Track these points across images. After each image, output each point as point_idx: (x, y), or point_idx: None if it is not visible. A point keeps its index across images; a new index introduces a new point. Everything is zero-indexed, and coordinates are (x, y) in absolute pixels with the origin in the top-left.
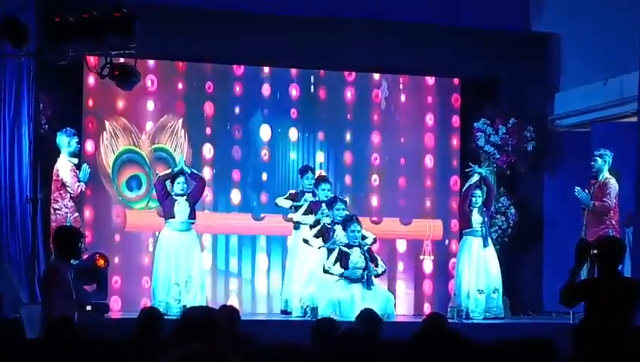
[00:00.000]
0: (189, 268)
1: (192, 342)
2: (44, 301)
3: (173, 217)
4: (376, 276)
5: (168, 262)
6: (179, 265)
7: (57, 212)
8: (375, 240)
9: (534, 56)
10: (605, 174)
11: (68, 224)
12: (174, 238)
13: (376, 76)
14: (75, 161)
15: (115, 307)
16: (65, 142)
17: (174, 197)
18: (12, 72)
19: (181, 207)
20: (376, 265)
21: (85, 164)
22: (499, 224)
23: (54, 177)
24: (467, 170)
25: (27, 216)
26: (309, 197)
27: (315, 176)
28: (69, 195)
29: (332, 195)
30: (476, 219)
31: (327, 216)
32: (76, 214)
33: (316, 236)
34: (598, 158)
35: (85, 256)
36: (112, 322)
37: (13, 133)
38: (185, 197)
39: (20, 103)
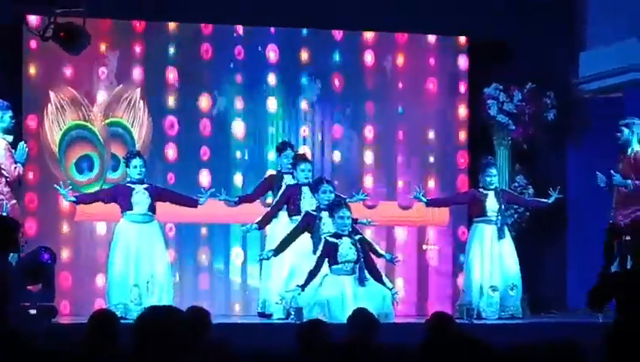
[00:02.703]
0: (152, 266)
1: (149, 351)
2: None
3: (131, 208)
4: (390, 261)
5: (126, 260)
6: (139, 264)
7: None
8: (370, 222)
9: (555, 9)
10: (636, 147)
11: (4, 213)
12: (133, 231)
13: (369, 35)
14: (10, 138)
15: (64, 310)
16: None
17: (130, 185)
18: None
19: (140, 197)
20: (377, 254)
21: (22, 142)
22: (515, 207)
23: None
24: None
25: None
26: (289, 179)
27: (294, 155)
28: (4, 179)
29: (311, 177)
30: (491, 205)
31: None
32: (14, 201)
33: (300, 226)
34: (624, 129)
35: (28, 251)
36: (61, 328)
37: None
38: (144, 185)
39: None
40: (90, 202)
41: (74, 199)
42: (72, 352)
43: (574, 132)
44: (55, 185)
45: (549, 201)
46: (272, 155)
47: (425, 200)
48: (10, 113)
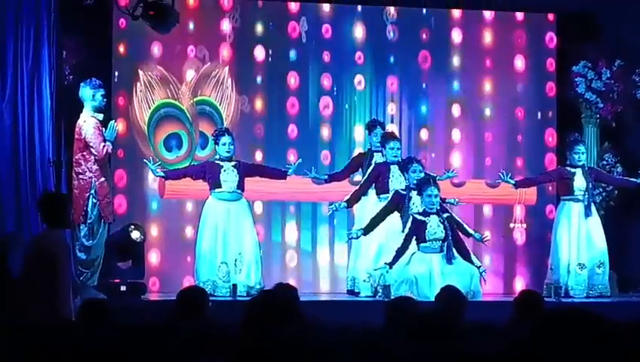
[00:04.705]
0: (240, 243)
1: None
2: (55, 280)
3: (220, 186)
4: (479, 240)
5: (214, 238)
6: (227, 242)
7: (80, 176)
8: (458, 202)
9: None
10: None
11: (92, 190)
12: (221, 209)
13: (456, 13)
14: (101, 116)
15: (153, 287)
16: (89, 94)
17: (219, 162)
18: (30, 14)
19: (228, 175)
20: (467, 234)
21: (112, 121)
22: (602, 185)
23: (76, 136)
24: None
25: (50, 182)
26: (378, 157)
27: (383, 133)
28: (93, 157)
29: (401, 155)
30: (579, 184)
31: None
32: (102, 179)
33: (389, 205)
34: None
35: (118, 228)
36: (150, 304)
37: (32, 85)
38: (233, 163)
39: (39, 50)
40: (178, 178)
41: (162, 174)
42: (161, 327)
43: None
44: (144, 160)
45: (639, 181)
46: (359, 134)
47: (513, 182)
48: (102, 92)
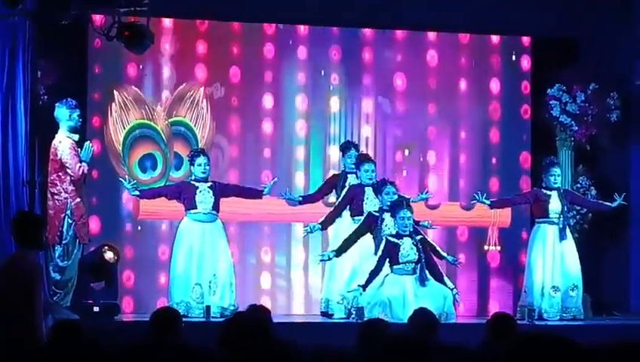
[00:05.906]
0: (214, 265)
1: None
2: (27, 301)
3: (195, 207)
4: (452, 263)
5: (189, 259)
6: (201, 264)
7: (55, 197)
8: (431, 225)
9: (620, 8)
10: None
11: (68, 211)
12: (196, 231)
13: (432, 35)
14: (76, 137)
15: (127, 308)
16: (65, 115)
17: (194, 183)
18: (5, 35)
19: (204, 196)
20: (439, 256)
21: (88, 142)
22: (577, 208)
23: (52, 156)
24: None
25: (24, 202)
26: (352, 179)
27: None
28: (68, 178)
29: (375, 178)
30: (554, 206)
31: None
32: (78, 200)
33: (362, 227)
34: None
35: (92, 249)
36: (124, 325)
37: (6, 106)
38: (208, 183)
39: (14, 71)
40: (153, 197)
41: (138, 193)
42: (134, 349)
43: (637, 132)
44: (120, 178)
45: (613, 205)
46: (334, 155)
47: (488, 202)
48: (78, 112)
